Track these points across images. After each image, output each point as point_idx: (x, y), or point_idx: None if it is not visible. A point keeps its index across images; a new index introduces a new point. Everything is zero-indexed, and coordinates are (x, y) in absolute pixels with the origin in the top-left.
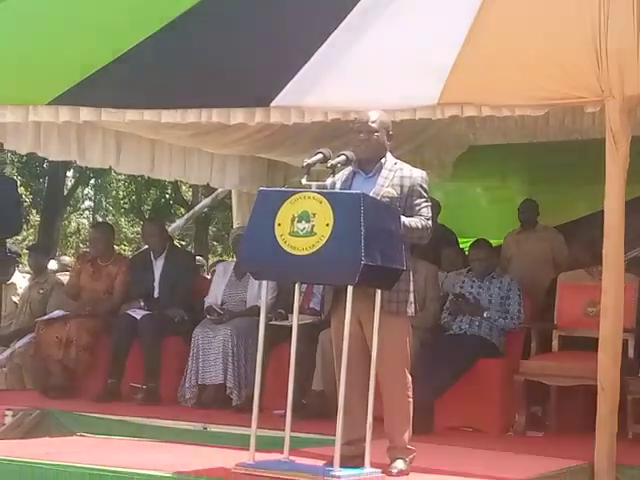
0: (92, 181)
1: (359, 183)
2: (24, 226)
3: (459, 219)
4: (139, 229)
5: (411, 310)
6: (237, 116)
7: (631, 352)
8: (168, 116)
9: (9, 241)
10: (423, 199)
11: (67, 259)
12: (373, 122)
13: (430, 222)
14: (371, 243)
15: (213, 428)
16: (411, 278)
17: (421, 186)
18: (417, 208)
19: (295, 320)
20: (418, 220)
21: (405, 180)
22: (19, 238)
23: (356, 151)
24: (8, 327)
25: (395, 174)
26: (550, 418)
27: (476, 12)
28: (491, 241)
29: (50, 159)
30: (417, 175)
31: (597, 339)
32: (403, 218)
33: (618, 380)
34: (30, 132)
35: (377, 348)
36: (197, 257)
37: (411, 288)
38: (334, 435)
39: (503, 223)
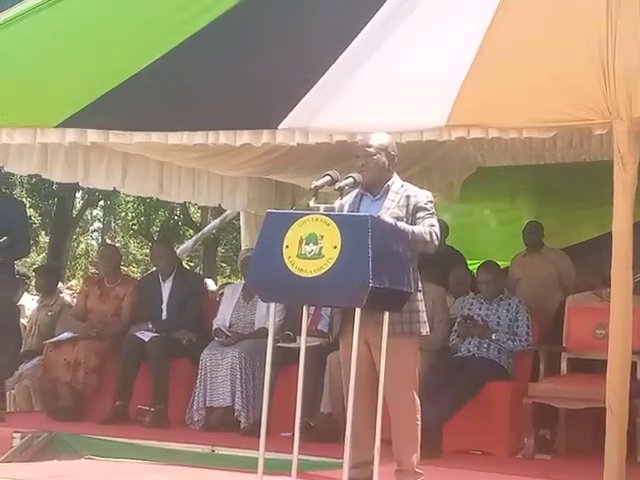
0: (101, 202)
1: (367, 205)
2: (33, 248)
3: (467, 241)
4: (148, 250)
5: (425, 329)
6: (243, 138)
7: None
8: (175, 138)
9: (17, 263)
10: (427, 212)
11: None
12: (369, 146)
13: (436, 229)
14: (379, 265)
15: (221, 451)
16: (421, 298)
17: (425, 203)
18: (420, 220)
19: (303, 342)
20: (421, 226)
21: (411, 199)
22: (28, 260)
23: (361, 177)
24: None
25: (402, 195)
26: (559, 441)
27: (483, 35)
28: (500, 263)
29: (55, 181)
30: (422, 194)
31: (606, 361)
32: (406, 225)
33: (627, 403)
34: (36, 154)
35: (385, 371)
36: (208, 280)
37: (422, 308)
38: (342, 458)
39: (512, 245)
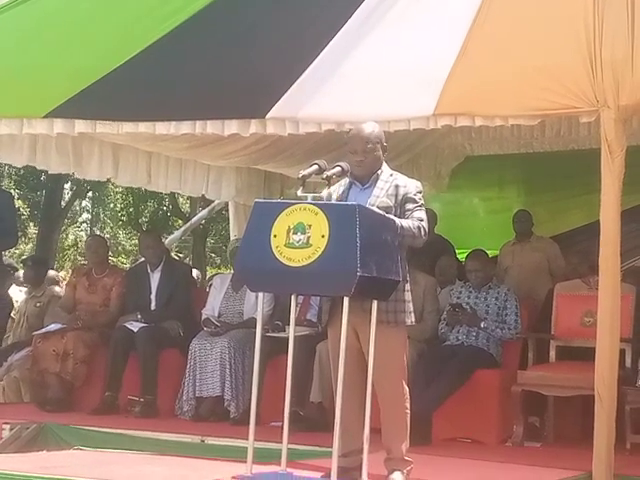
0: (89, 194)
1: (355, 194)
2: (21, 239)
3: (456, 230)
4: (137, 241)
5: (410, 319)
6: (231, 128)
7: (628, 362)
8: (162, 128)
9: (5, 254)
10: (416, 204)
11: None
12: (368, 142)
13: (424, 223)
14: (367, 254)
15: (211, 440)
16: (408, 288)
17: (414, 194)
18: (409, 212)
19: (292, 332)
20: (410, 221)
21: (400, 189)
22: (16, 251)
23: (353, 170)
24: (5, 341)
25: (391, 184)
26: (548, 428)
27: (471, 23)
28: (489, 251)
29: (49, 172)
30: (411, 184)
31: (594, 349)
32: (395, 218)
33: (615, 390)
34: (26, 145)
35: (374, 359)
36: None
37: (409, 298)
38: (332, 447)
39: (501, 233)
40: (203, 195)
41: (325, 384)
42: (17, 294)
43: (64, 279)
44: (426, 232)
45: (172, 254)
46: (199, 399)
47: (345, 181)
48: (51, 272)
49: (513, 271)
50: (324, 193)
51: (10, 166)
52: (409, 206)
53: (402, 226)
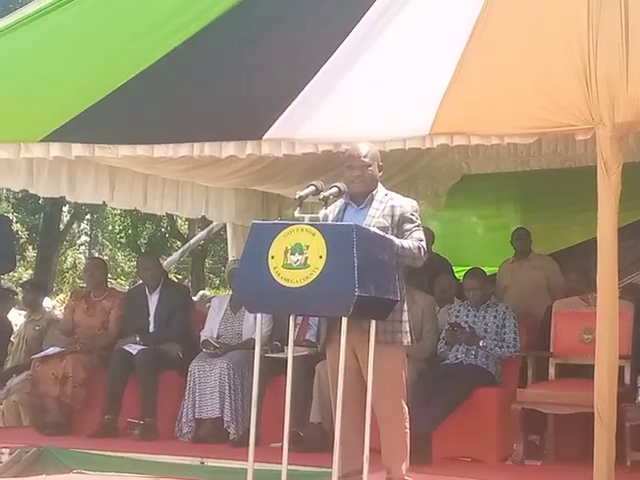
0: (88, 216)
1: (351, 215)
2: (20, 262)
3: (454, 248)
4: (136, 263)
5: (407, 340)
6: (229, 149)
7: (627, 379)
8: (160, 151)
9: (4, 278)
10: (414, 224)
11: None
12: (365, 157)
13: (423, 243)
14: (364, 274)
15: (210, 462)
16: (406, 308)
17: (411, 214)
18: (408, 232)
19: (290, 352)
20: (410, 241)
21: (396, 209)
22: (15, 275)
23: (350, 187)
24: (4, 364)
25: (386, 205)
26: (548, 446)
27: (466, 42)
28: (487, 269)
29: (40, 195)
30: (407, 204)
31: (593, 366)
32: (394, 238)
33: (615, 407)
34: (23, 169)
35: (372, 379)
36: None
37: (406, 318)
38: (332, 467)
39: (498, 251)
40: (202, 216)
41: (325, 404)
42: (16, 318)
43: (62, 301)
44: (426, 252)
45: (171, 275)
46: (198, 421)
47: (340, 202)
48: None
49: (512, 289)
50: (320, 214)
51: (8, 189)
52: (407, 226)
53: (402, 246)
